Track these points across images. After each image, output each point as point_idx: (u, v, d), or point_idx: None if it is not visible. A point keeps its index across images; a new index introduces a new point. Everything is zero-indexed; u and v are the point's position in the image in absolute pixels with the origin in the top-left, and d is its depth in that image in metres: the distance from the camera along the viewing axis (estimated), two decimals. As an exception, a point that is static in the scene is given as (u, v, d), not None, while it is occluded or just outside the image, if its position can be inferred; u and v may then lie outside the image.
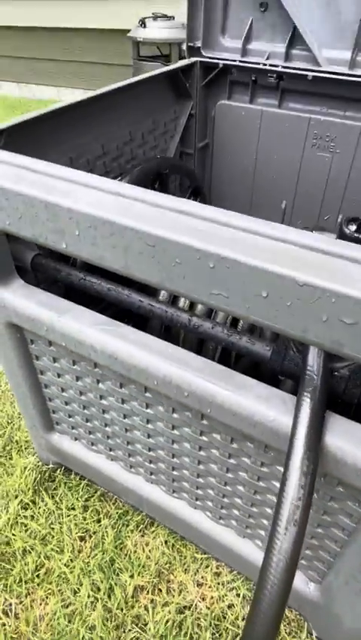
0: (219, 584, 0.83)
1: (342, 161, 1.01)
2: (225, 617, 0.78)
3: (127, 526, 0.91)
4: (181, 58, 2.59)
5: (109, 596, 0.80)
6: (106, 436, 0.79)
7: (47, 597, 0.80)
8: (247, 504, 0.67)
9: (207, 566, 0.86)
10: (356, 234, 0.62)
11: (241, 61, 1.03)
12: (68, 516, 0.92)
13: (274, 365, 0.54)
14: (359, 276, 0.36)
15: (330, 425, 0.48)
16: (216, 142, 1.16)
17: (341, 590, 0.63)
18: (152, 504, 0.82)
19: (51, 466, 0.99)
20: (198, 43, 1.06)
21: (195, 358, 0.56)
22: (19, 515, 0.91)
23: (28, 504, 0.93)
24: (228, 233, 0.40)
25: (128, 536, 0.89)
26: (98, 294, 0.65)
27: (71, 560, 0.85)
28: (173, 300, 0.77)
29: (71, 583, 0.82)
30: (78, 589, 0.81)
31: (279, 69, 0.98)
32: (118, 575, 0.83)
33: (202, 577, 0.84)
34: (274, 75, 1.00)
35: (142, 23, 2.52)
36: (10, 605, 0.79)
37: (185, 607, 0.80)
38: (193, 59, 1.10)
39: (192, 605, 0.80)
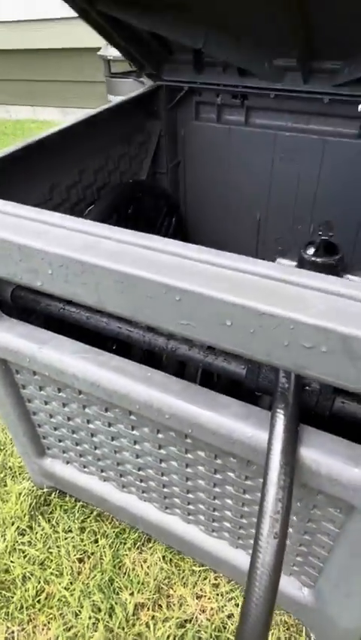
0: (218, 595, 0.85)
1: (309, 172, 1.05)
2: (225, 627, 0.80)
3: (124, 544, 0.92)
4: (152, 73, 2.62)
5: (110, 616, 0.81)
6: (96, 458, 0.81)
7: (48, 622, 0.81)
8: (237, 516, 0.69)
9: (205, 578, 0.87)
10: (313, 258, 0.64)
11: (202, 83, 1.06)
12: (66, 539, 0.93)
13: (249, 383, 0.56)
14: (314, 302, 0.38)
15: (304, 438, 0.50)
16: (187, 160, 1.19)
17: (332, 593, 0.65)
18: (146, 521, 0.83)
19: (45, 490, 1.00)
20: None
21: (174, 381, 0.58)
22: (17, 542, 0.92)
23: (25, 530, 0.94)
24: (190, 267, 0.43)
25: (126, 554, 0.90)
26: (77, 322, 0.67)
27: (70, 582, 0.86)
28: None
29: (72, 606, 0.83)
30: (79, 611, 0.82)
31: (239, 89, 1.01)
32: (118, 594, 0.84)
33: (201, 589, 0.86)
34: (238, 95, 1.03)
35: (111, 41, 2.55)
36: (13, 632, 0.80)
37: (186, 620, 0.81)
38: (157, 83, 1.13)
39: (192, 618, 0.81)
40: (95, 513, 0.97)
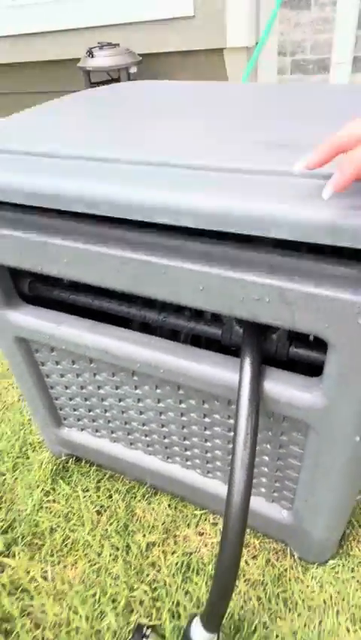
0: (216, 531, 1.00)
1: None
2: (223, 555, 0.96)
3: (135, 497, 1.07)
4: (130, 80, 2.77)
5: (127, 552, 0.97)
6: (107, 421, 0.96)
7: (75, 562, 0.97)
8: (225, 454, 0.84)
9: (205, 519, 1.03)
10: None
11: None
12: (84, 496, 1.08)
13: (225, 340, 0.72)
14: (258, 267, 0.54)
15: (269, 376, 0.66)
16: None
17: (304, 509, 0.81)
18: (152, 472, 0.99)
19: (63, 457, 1.15)
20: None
21: (166, 343, 0.73)
22: (43, 501, 1.07)
23: (48, 491, 1.09)
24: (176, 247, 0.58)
25: (137, 505, 1.06)
26: (85, 304, 0.82)
27: (91, 529, 1.01)
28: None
29: (94, 547, 0.98)
30: (101, 551, 0.98)
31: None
32: (132, 536, 1.00)
33: (202, 528, 1.01)
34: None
35: (90, 53, 2.70)
36: (46, 571, 0.95)
37: (190, 552, 0.97)
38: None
39: (196, 550, 0.97)
40: (107, 475, 1.12)
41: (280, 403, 0.66)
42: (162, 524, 1.02)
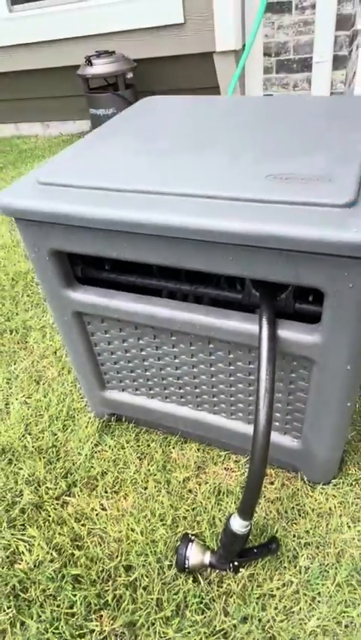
0: (240, 467, 1.23)
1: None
2: (246, 482, 1.18)
3: (169, 445, 1.29)
4: (127, 86, 2.97)
5: (168, 484, 1.19)
6: (146, 379, 1.18)
7: (126, 495, 1.18)
8: (248, 397, 1.06)
9: (229, 458, 1.25)
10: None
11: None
12: (127, 446, 1.29)
13: (245, 302, 0.93)
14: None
15: (279, 325, 0.88)
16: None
17: (310, 434, 1.03)
18: (184, 419, 1.20)
19: (106, 417, 1.36)
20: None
21: (200, 306, 0.95)
22: (93, 451, 1.29)
23: (97, 443, 1.30)
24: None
25: (172, 450, 1.28)
26: (127, 282, 1.03)
27: (136, 470, 1.23)
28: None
29: (140, 483, 1.20)
30: (146, 486, 1.19)
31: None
32: (170, 473, 1.22)
33: (227, 465, 1.23)
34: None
35: (88, 62, 2.89)
36: (103, 504, 1.17)
37: (219, 482, 1.19)
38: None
39: (223, 481, 1.19)
40: (144, 429, 1.34)
41: (291, 345, 0.87)
42: (194, 463, 1.24)
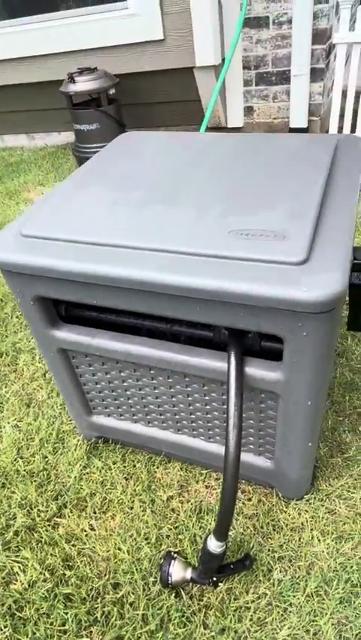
0: (219, 484, 1.31)
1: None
2: (226, 500, 1.26)
3: (154, 464, 1.37)
4: (110, 101, 3.02)
5: (152, 504, 1.27)
6: (129, 406, 1.25)
7: (113, 515, 1.26)
8: (222, 423, 1.14)
9: (210, 476, 1.33)
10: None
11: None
12: (114, 468, 1.37)
13: (217, 340, 1.01)
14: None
15: (247, 362, 0.95)
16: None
17: (281, 455, 1.12)
18: (167, 443, 1.28)
19: (93, 439, 1.44)
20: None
21: (174, 344, 1.02)
22: (82, 473, 1.36)
23: (85, 466, 1.38)
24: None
25: (156, 470, 1.36)
26: (108, 321, 1.10)
27: (123, 491, 1.31)
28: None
29: (127, 503, 1.28)
30: (132, 505, 1.27)
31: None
32: (155, 492, 1.30)
33: (208, 483, 1.32)
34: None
35: (71, 79, 2.93)
36: (92, 524, 1.25)
37: (201, 500, 1.27)
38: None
39: (204, 498, 1.28)
40: (130, 450, 1.42)
41: (257, 380, 0.95)
42: (177, 482, 1.32)
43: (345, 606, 1.02)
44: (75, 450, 1.43)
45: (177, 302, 0.86)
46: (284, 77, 3.03)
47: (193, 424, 1.20)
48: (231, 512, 0.95)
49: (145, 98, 3.29)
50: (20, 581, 1.14)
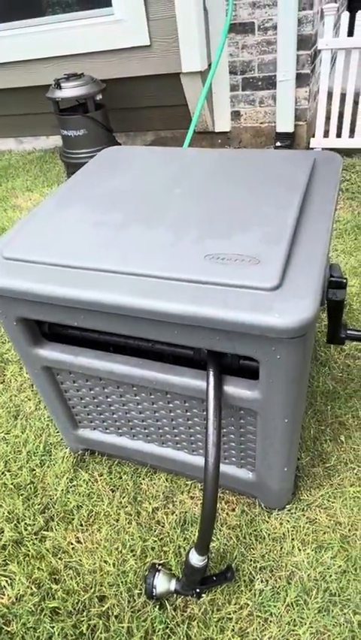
0: (204, 494, 1.33)
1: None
2: (210, 510, 1.29)
3: (140, 476, 1.39)
4: (97, 106, 3.02)
5: (138, 516, 1.29)
6: (114, 420, 1.27)
7: (100, 527, 1.28)
8: (203, 438, 1.17)
9: (195, 487, 1.36)
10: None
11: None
12: (100, 480, 1.39)
13: (196, 358, 1.03)
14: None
15: (226, 380, 0.98)
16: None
17: (262, 468, 1.14)
18: (151, 456, 1.31)
19: (80, 452, 1.45)
20: None
21: (155, 363, 1.04)
22: (69, 486, 1.38)
23: (72, 479, 1.40)
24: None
25: (142, 482, 1.38)
26: (90, 339, 1.12)
27: (109, 503, 1.33)
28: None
29: (113, 515, 1.30)
30: (118, 517, 1.30)
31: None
32: (140, 504, 1.32)
33: (193, 493, 1.34)
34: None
35: (57, 85, 2.93)
36: (79, 537, 1.27)
37: (185, 511, 1.30)
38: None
39: (189, 509, 1.30)
40: (116, 462, 1.44)
41: (236, 398, 0.98)
42: (163, 493, 1.34)
43: (323, 615, 1.05)
44: (62, 462, 1.45)
45: (155, 325, 0.88)
46: (270, 82, 3.05)
47: (177, 438, 1.22)
48: (211, 528, 0.97)
49: (132, 103, 3.29)
50: (8, 595, 1.16)
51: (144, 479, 1.38)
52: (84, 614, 1.11)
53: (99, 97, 3.00)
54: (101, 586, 1.15)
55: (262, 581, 1.13)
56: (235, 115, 3.26)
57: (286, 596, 1.09)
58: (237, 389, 0.97)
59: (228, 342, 0.85)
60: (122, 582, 1.15)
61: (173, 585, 1.09)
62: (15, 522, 1.31)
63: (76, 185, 1.26)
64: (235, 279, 0.83)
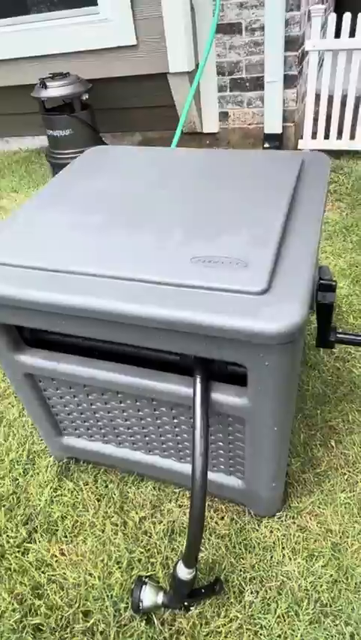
0: (192, 502, 1.30)
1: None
2: (198, 519, 1.25)
3: (126, 484, 1.35)
4: (83, 106, 2.98)
5: (124, 526, 1.25)
6: (99, 428, 1.24)
7: (85, 539, 1.24)
8: (191, 446, 1.13)
9: (183, 495, 1.32)
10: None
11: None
12: (86, 489, 1.35)
13: (183, 364, 1.00)
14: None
15: (214, 387, 0.95)
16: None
17: (251, 476, 1.11)
18: (138, 464, 1.27)
19: (65, 460, 1.41)
20: None
21: (140, 369, 1.01)
22: (53, 496, 1.34)
23: (56, 488, 1.36)
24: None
25: (129, 490, 1.34)
26: (73, 344, 1.08)
27: (94, 513, 1.29)
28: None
29: (98, 526, 1.26)
30: (104, 528, 1.26)
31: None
32: (127, 513, 1.28)
33: (181, 502, 1.31)
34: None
35: (42, 84, 2.88)
36: (63, 549, 1.23)
37: (173, 520, 1.26)
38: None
39: (177, 518, 1.27)
40: (102, 470, 1.40)
41: (223, 405, 0.95)
42: (150, 502, 1.31)
43: (315, 627, 1.03)
44: (46, 471, 1.40)
45: (139, 331, 0.85)
46: (258, 84, 3.04)
47: (164, 446, 1.19)
48: (199, 540, 0.94)
49: (119, 104, 3.26)
50: (-12, 612, 1.11)
51: (130, 487, 1.35)
52: (68, 630, 1.07)
53: (85, 97, 2.95)
54: (86, 600, 1.11)
55: (251, 592, 1.10)
56: (223, 116, 3.24)
57: (277, 607, 1.06)
58: (225, 396, 0.94)
59: (215, 349, 0.82)
60: (107, 596, 1.11)
61: (160, 598, 1.06)
62: (-4, 534, 1.26)
63: (59, 185, 1.22)
64: (222, 283, 0.80)
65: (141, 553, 1.19)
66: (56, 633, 1.06)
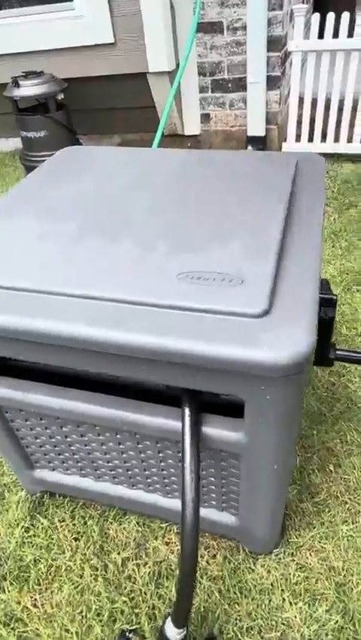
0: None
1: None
2: (188, 559, 1.13)
3: (107, 520, 1.22)
4: (59, 106, 2.84)
5: (105, 570, 1.12)
6: (75, 461, 1.10)
7: (61, 586, 1.10)
8: (178, 481, 1.01)
9: (170, 530, 1.19)
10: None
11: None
12: (61, 527, 1.21)
13: (169, 393, 0.88)
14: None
15: (205, 420, 0.83)
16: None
17: (245, 513, 0.99)
18: (120, 499, 1.14)
19: (38, 494, 1.27)
20: None
21: (120, 400, 0.88)
22: (24, 537, 1.19)
23: (28, 527, 1.21)
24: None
25: (110, 527, 1.21)
26: (43, 370, 0.95)
27: (71, 555, 1.15)
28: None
29: (76, 571, 1.12)
30: (82, 573, 1.12)
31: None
32: (108, 555, 1.15)
33: (168, 538, 1.18)
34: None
35: (15, 83, 2.73)
36: (36, 599, 1.08)
37: (160, 561, 1.13)
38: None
39: (164, 558, 1.14)
40: (80, 504, 1.26)
41: (216, 440, 0.83)
42: (134, 540, 1.18)
43: None
44: (17, 508, 1.26)
45: (117, 360, 0.72)
46: (240, 85, 2.95)
47: (148, 480, 1.06)
48: (190, 596, 0.82)
49: (97, 104, 3.13)
50: None
51: (112, 524, 1.21)
52: None
53: (61, 96, 2.81)
54: (62, 663, 0.98)
55: (249, 646, 0.98)
56: (205, 118, 3.14)
57: (278, 663, 0.95)
58: (218, 430, 0.82)
59: (206, 381, 0.70)
60: (86, 656, 0.98)
61: (147, 657, 0.93)
62: None
63: (26, 189, 1.08)
64: (214, 304, 0.68)
65: (124, 602, 1.06)
66: None
